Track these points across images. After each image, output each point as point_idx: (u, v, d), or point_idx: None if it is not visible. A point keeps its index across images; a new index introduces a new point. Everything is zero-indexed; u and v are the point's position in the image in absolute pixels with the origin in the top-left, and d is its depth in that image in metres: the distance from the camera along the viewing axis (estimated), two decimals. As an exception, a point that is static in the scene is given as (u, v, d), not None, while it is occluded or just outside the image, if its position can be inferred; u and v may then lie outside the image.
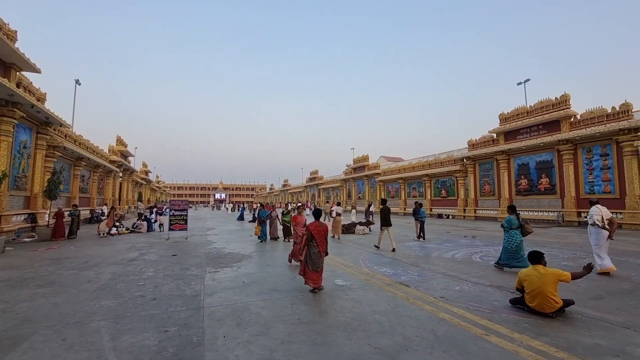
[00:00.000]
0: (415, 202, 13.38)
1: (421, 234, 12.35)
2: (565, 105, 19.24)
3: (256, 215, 23.86)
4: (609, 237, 6.51)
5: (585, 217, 7.59)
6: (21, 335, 3.74)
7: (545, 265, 4.54)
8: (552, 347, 3.40)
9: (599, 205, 6.80)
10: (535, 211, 20.50)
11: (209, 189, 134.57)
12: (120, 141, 32.75)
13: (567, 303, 4.33)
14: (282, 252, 9.92)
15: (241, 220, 25.35)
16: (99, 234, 14.45)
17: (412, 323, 4.06)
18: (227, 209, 53.11)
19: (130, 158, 38.05)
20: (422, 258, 8.70)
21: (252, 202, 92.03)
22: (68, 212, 14.89)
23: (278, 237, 12.62)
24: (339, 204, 16.31)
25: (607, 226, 6.54)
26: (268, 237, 12.53)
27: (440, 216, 27.86)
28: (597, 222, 6.56)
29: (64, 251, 10.05)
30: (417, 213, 12.60)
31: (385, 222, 10.13)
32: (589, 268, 4.50)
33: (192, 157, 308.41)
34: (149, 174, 59.19)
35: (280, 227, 13.06)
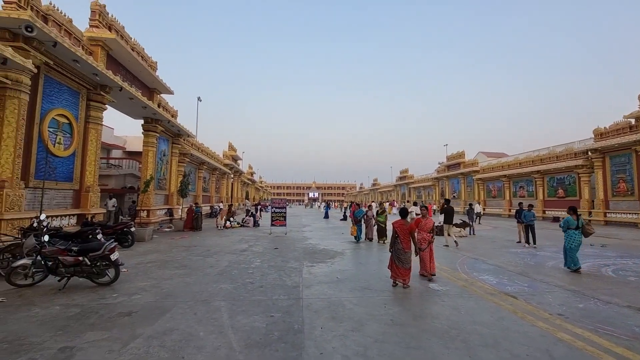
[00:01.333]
0: (519, 203, 12.08)
1: (529, 239, 10.82)
2: None
3: (347, 214, 24.42)
4: None
5: None
6: (165, 306, 4.74)
7: None
8: None
9: None
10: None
11: (303, 188, 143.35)
12: (231, 147, 37.68)
13: None
14: (376, 252, 9.98)
15: (326, 218, 25.76)
16: (217, 226, 17.06)
17: (521, 339, 3.67)
18: (318, 207, 57.03)
19: (239, 161, 43.33)
20: (532, 267, 7.65)
21: (342, 200, 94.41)
22: (194, 208, 17.95)
23: (372, 238, 12.27)
24: (415, 204, 19.09)
25: None
26: (363, 237, 12.29)
27: (556, 219, 23.46)
28: None
29: (193, 240, 12.19)
30: (520, 215, 11.15)
31: (448, 220, 11.21)
32: None
33: (288, 158, 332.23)
34: (254, 175, 66.35)
35: (375, 228, 12.54)
